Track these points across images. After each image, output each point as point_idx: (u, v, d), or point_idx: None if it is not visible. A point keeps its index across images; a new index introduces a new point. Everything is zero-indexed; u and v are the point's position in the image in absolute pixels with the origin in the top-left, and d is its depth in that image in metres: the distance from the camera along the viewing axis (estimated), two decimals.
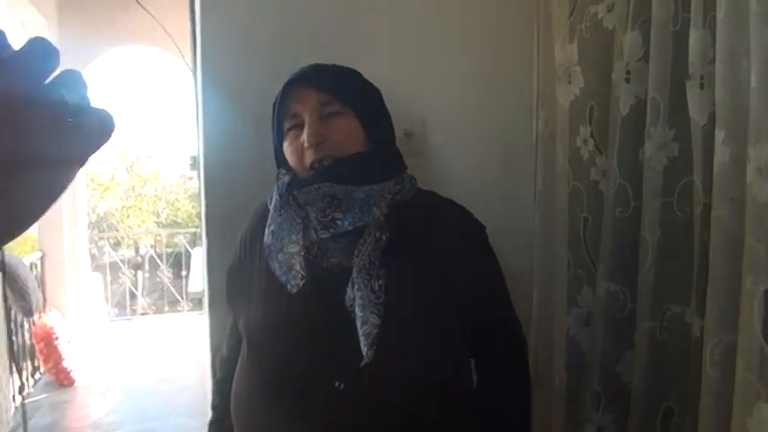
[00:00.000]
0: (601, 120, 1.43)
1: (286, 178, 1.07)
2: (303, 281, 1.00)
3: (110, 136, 0.36)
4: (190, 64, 1.85)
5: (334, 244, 1.02)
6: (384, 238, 1.00)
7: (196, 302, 5.67)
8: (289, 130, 1.07)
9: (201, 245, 1.52)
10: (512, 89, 1.61)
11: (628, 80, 1.23)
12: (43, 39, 0.34)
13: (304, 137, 1.02)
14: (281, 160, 1.11)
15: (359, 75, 1.11)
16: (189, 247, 6.63)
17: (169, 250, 7.11)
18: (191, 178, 9.28)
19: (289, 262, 1.02)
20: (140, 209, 9.69)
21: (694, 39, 1.07)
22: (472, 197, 1.19)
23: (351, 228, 0.99)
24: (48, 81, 0.34)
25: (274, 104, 1.09)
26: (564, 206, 1.53)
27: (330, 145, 1.02)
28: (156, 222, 9.71)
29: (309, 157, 1.03)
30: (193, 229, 7.51)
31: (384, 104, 1.11)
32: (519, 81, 1.61)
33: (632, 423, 1.24)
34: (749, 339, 0.96)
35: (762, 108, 0.93)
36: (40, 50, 0.33)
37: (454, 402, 1.03)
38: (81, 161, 0.36)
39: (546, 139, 1.56)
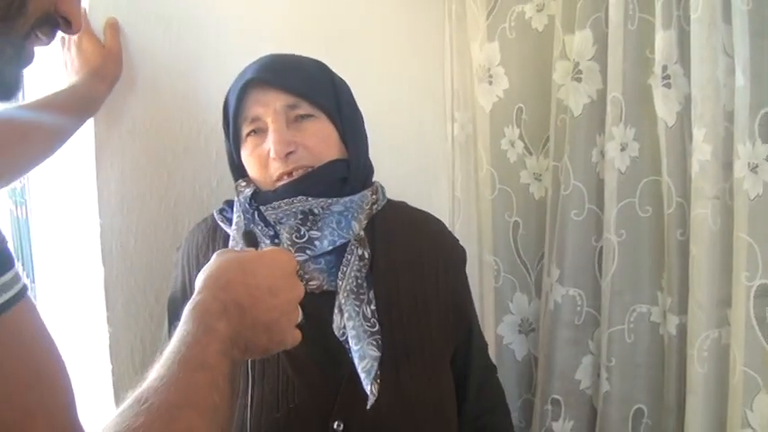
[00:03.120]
0: (531, 121, 1.40)
1: (248, 191, 0.89)
2: None
3: None
4: None
5: (312, 264, 0.87)
6: (367, 255, 0.87)
7: None
8: (248, 135, 0.89)
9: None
10: (425, 90, 1.52)
11: (579, 80, 1.20)
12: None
13: (270, 145, 0.86)
14: (236, 169, 0.93)
15: (327, 69, 0.95)
16: None
17: None
18: None
19: None
20: None
21: (660, 39, 1.07)
22: None
23: (330, 247, 0.86)
24: None
25: (225, 106, 0.91)
26: (488, 211, 1.48)
27: (303, 154, 0.87)
28: None
29: (277, 169, 0.87)
30: None
31: (355, 101, 0.97)
32: (432, 82, 1.53)
33: (601, 428, 1.22)
34: (746, 334, 0.98)
35: (749, 106, 0.95)
36: None
37: None
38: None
39: (463, 142, 1.50)
